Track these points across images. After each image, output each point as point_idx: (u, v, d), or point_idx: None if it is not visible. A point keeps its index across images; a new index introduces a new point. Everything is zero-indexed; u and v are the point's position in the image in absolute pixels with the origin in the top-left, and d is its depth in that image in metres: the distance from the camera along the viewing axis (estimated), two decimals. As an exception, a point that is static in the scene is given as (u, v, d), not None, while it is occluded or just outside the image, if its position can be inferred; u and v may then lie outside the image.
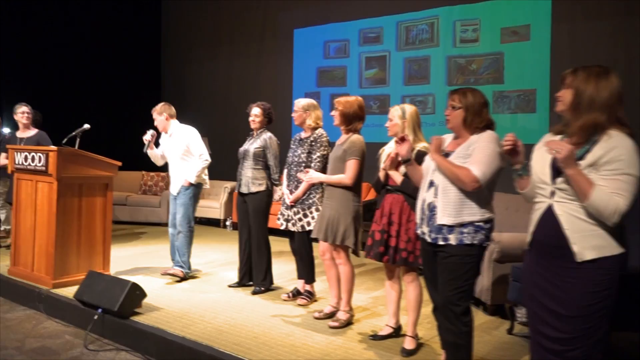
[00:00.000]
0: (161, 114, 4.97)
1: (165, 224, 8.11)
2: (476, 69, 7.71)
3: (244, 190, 4.60)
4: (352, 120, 3.81)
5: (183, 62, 10.72)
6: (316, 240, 4.30)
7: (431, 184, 2.77)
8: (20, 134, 5.79)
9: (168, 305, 4.15)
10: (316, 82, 9.20)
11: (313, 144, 4.22)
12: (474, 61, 7.72)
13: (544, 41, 7.08)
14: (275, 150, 4.59)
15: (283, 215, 4.36)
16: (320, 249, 3.91)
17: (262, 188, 4.56)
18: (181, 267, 4.89)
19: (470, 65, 7.77)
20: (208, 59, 10.40)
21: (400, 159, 3.00)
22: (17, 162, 4.75)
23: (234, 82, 10.07)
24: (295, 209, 4.24)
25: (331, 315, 3.93)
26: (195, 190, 4.90)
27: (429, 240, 2.77)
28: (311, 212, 4.18)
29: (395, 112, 3.41)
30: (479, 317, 4.14)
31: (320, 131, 4.27)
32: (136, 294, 3.86)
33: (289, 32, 9.46)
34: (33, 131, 5.82)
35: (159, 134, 5.09)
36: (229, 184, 8.23)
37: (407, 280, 3.38)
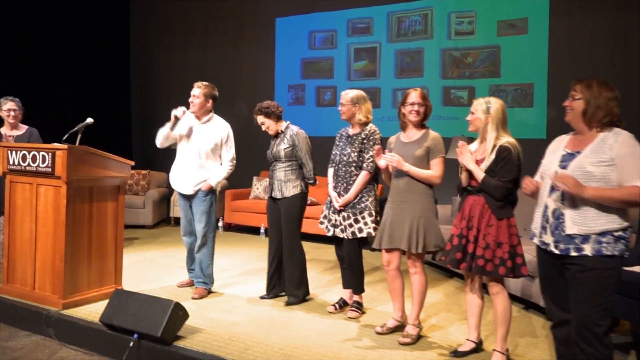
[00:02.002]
0: (205, 95, 4.32)
1: (150, 227, 7.60)
2: (472, 62, 7.56)
3: (277, 195, 4.16)
4: (429, 114, 3.47)
5: (152, 51, 9.98)
6: (366, 246, 3.96)
7: (554, 187, 2.48)
8: (5, 130, 5.02)
9: (206, 325, 3.66)
10: (301, 74, 8.78)
11: (365, 141, 3.84)
12: (469, 54, 7.57)
13: (542, 35, 7.02)
14: (305, 145, 4.16)
15: (329, 220, 3.96)
16: (386, 259, 3.53)
17: (297, 191, 4.14)
18: (205, 283, 4.37)
19: (466, 59, 7.61)
20: (179, 48, 9.72)
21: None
22: (11, 162, 4.07)
23: (209, 74, 9.41)
24: (344, 214, 3.85)
25: (395, 330, 3.58)
26: (215, 195, 4.39)
27: (556, 251, 2.48)
28: (363, 218, 3.81)
29: (479, 105, 3.10)
30: (541, 323, 3.93)
31: (372, 127, 3.90)
32: (179, 315, 3.35)
33: (270, 21, 8.97)
34: (22, 128, 5.05)
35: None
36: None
37: (492, 291, 3.09)
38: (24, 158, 3.99)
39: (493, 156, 2.98)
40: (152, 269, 5.22)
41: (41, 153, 3.89)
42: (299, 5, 8.71)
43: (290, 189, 4.12)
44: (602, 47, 6.62)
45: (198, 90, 4.31)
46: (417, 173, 3.37)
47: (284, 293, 4.32)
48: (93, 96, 8.94)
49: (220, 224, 7.57)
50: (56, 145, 3.90)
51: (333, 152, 4.04)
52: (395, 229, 3.41)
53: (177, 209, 7.80)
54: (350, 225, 3.83)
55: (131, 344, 3.29)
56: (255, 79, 9.04)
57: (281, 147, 4.14)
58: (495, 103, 3.09)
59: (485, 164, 2.99)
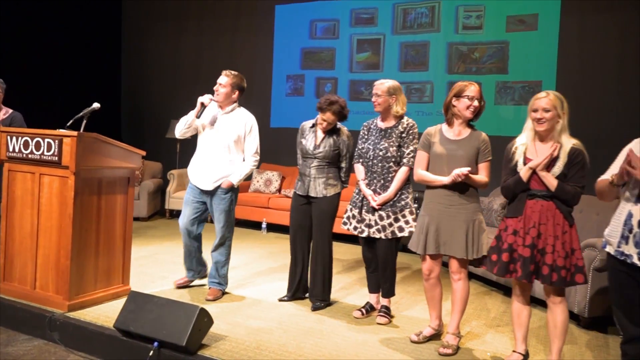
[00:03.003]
0: (232, 85, 3.98)
1: (145, 219, 7.22)
2: (479, 58, 7.39)
3: (313, 193, 3.88)
4: (480, 114, 3.24)
5: (144, 37, 9.55)
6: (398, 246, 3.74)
7: None
8: None
9: (231, 332, 3.37)
10: (300, 64, 8.49)
11: (404, 135, 3.59)
12: (476, 49, 7.40)
13: (552, 32, 6.88)
14: (352, 151, 3.91)
15: (361, 220, 3.69)
16: (428, 266, 3.28)
17: (338, 190, 3.91)
18: (219, 284, 4.08)
19: (473, 54, 7.44)
20: (173, 34, 9.33)
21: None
22: (11, 149, 3.69)
23: (204, 61, 9.09)
24: (382, 213, 3.60)
25: (431, 338, 3.37)
26: (236, 193, 4.09)
27: (639, 264, 2.29)
28: (404, 216, 3.57)
29: (556, 101, 2.83)
30: (576, 333, 3.78)
31: (409, 120, 3.65)
32: (204, 321, 3.06)
33: (269, 8, 8.65)
34: (4, 112, 4.64)
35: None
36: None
37: (554, 301, 2.89)
38: (26, 145, 3.62)
39: (565, 159, 2.76)
40: (154, 266, 4.89)
41: (46, 140, 3.53)
42: (300, -8, 8.40)
43: (330, 188, 3.86)
44: (613, 46, 6.52)
45: (226, 79, 3.99)
46: (475, 179, 3.14)
47: (304, 295, 4.06)
48: (81, 82, 8.52)
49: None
50: (63, 131, 3.55)
51: (360, 147, 3.78)
52: (444, 234, 3.18)
53: (173, 201, 7.47)
54: (390, 225, 3.59)
55: (151, 352, 3.00)
56: (252, 67, 8.69)
57: (327, 147, 3.86)
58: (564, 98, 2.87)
59: (558, 168, 2.77)
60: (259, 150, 4.07)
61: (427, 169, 3.28)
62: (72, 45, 8.48)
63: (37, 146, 3.57)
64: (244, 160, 4.05)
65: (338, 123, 3.91)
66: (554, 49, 6.88)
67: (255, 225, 7.21)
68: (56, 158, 3.49)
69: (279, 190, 7.49)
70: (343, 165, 3.91)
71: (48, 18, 8.06)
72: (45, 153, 3.54)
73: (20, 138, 3.65)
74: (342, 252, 5.92)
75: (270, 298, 4.11)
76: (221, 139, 3.98)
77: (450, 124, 3.27)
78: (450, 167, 3.16)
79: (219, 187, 3.97)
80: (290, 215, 4.05)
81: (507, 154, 3.00)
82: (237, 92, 4.03)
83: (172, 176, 7.64)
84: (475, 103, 3.19)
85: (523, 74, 7.09)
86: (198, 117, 3.96)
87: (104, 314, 3.52)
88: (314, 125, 3.95)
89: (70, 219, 3.49)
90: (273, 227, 7.08)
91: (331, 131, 3.89)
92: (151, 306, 3.14)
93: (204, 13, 9.08)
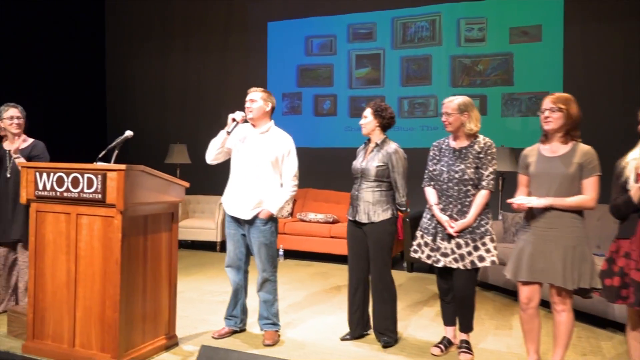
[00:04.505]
0: (266, 99, 3.65)
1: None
2: (483, 70, 7.29)
3: (362, 219, 3.57)
4: (578, 124, 2.99)
5: (130, 54, 9.04)
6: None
7: None
8: (8, 145, 4.10)
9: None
10: (297, 82, 8.18)
11: (481, 156, 3.32)
12: (480, 61, 7.30)
13: (557, 43, 6.86)
14: (403, 168, 3.59)
15: (436, 247, 3.39)
16: (526, 295, 3.00)
17: (388, 215, 3.57)
18: (274, 324, 3.68)
19: (477, 66, 7.33)
20: (158, 52, 8.86)
21: None
22: (41, 187, 3.21)
23: (192, 80, 8.67)
24: (460, 240, 3.31)
25: (528, 375, 3.08)
26: (276, 223, 3.72)
27: None
28: (485, 244, 3.29)
29: None
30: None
31: (486, 139, 3.39)
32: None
33: (262, 25, 8.32)
34: (27, 141, 4.14)
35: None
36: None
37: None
38: (60, 182, 3.16)
39: None
40: (187, 307, 4.42)
41: (86, 175, 3.09)
42: (293, 9, 8.13)
43: (379, 213, 3.54)
44: (617, 55, 6.53)
45: (258, 94, 3.65)
46: (564, 204, 2.88)
47: (366, 332, 3.72)
48: (65, 102, 7.95)
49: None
50: (104, 165, 3.12)
51: (431, 168, 3.50)
52: (539, 259, 2.91)
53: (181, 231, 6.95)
54: (469, 254, 3.30)
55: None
56: (245, 86, 8.10)
57: (373, 163, 3.56)
58: None
59: None
60: (297, 174, 3.72)
61: (529, 192, 3.02)
62: (54, 65, 7.92)
63: (75, 183, 3.12)
64: (281, 186, 3.69)
65: (388, 140, 3.65)
66: (559, 60, 6.84)
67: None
68: (99, 196, 3.05)
69: (291, 214, 7.12)
70: (398, 186, 3.59)
71: (27, 37, 7.49)
72: (85, 190, 3.09)
73: (52, 174, 3.18)
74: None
75: (329, 337, 3.75)
76: (257, 162, 3.61)
77: (545, 140, 3.04)
78: (551, 187, 2.91)
79: (256, 216, 3.59)
80: (347, 242, 3.73)
81: (616, 169, 2.78)
82: (270, 107, 3.70)
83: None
84: (547, 114, 2.97)
85: (529, 85, 7.01)
86: (229, 132, 3.59)
87: (160, 371, 3.09)
88: (365, 144, 3.68)
89: (117, 265, 3.04)
90: (290, 254, 6.69)
91: (380, 147, 3.61)
92: (231, 362, 2.73)
93: (191, 31, 8.68)
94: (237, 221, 3.67)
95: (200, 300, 4.57)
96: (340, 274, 5.81)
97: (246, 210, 3.59)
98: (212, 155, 3.71)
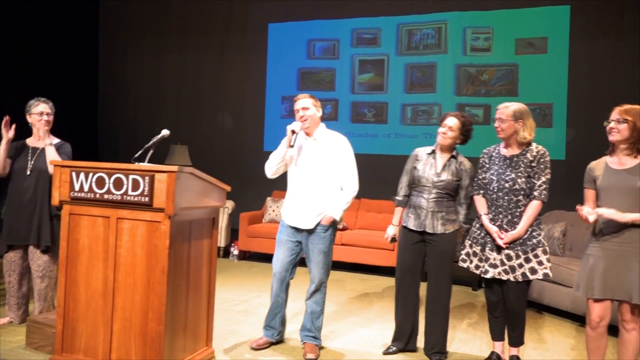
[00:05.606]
0: (317, 106, 3.48)
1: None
2: (488, 80, 7.29)
3: (430, 230, 3.43)
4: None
5: (124, 52, 8.70)
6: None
7: None
8: (34, 141, 3.80)
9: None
10: (297, 85, 8.02)
11: (534, 165, 3.23)
12: (485, 71, 7.30)
13: (562, 55, 6.91)
14: (471, 184, 3.49)
15: (485, 258, 3.28)
16: (598, 313, 2.89)
17: (456, 227, 3.46)
18: (315, 338, 3.51)
19: (482, 75, 7.33)
20: (153, 51, 8.56)
21: None
22: (77, 188, 2.96)
23: (189, 81, 8.41)
24: (510, 252, 3.21)
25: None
26: (335, 230, 3.56)
27: None
28: (537, 256, 3.20)
29: None
30: None
31: (540, 147, 3.30)
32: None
33: (262, 26, 8.14)
34: (53, 140, 3.81)
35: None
36: (228, 203, 6.70)
37: None
38: (100, 182, 2.91)
39: None
40: (216, 316, 4.17)
41: (131, 176, 2.85)
42: (296, 11, 7.98)
43: (449, 224, 3.43)
44: (623, 69, 6.62)
45: (308, 101, 3.48)
46: (637, 217, 2.80)
47: (415, 347, 3.58)
48: (56, 100, 7.56)
49: (235, 252, 6.55)
50: (151, 165, 2.89)
51: (481, 177, 3.40)
52: (612, 276, 2.82)
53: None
54: (520, 266, 3.20)
55: None
56: (243, 88, 8.12)
57: (447, 176, 3.43)
58: None
59: None
60: (356, 173, 3.55)
61: (598, 207, 2.92)
62: (46, 63, 7.55)
63: (118, 184, 2.88)
64: (341, 189, 3.52)
65: (459, 154, 3.52)
66: (564, 72, 6.90)
67: (269, 259, 6.59)
68: (146, 199, 2.82)
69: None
70: (463, 199, 3.49)
71: (20, 34, 7.11)
72: (130, 192, 2.85)
73: (92, 174, 2.93)
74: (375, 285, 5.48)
75: (370, 350, 3.59)
76: (315, 170, 3.46)
77: (612, 153, 2.96)
78: (623, 200, 2.83)
79: (318, 223, 3.42)
80: (398, 253, 3.57)
81: None
82: (321, 112, 3.56)
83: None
84: (613, 125, 2.92)
85: (534, 96, 7.03)
86: (292, 145, 3.41)
87: (207, 388, 2.87)
88: (433, 152, 3.53)
89: (164, 274, 2.81)
90: (300, 262, 6.48)
91: (452, 159, 3.48)
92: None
93: (189, 29, 8.42)
94: (294, 228, 3.51)
95: (223, 310, 4.33)
96: (356, 282, 5.68)
97: (310, 220, 3.44)
98: (273, 169, 3.55)
